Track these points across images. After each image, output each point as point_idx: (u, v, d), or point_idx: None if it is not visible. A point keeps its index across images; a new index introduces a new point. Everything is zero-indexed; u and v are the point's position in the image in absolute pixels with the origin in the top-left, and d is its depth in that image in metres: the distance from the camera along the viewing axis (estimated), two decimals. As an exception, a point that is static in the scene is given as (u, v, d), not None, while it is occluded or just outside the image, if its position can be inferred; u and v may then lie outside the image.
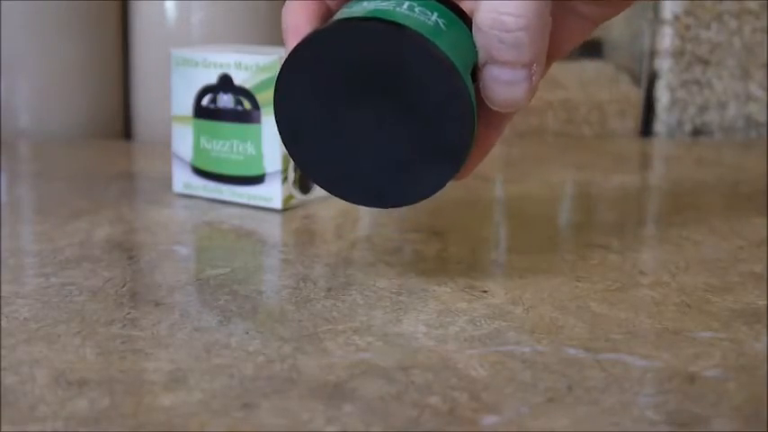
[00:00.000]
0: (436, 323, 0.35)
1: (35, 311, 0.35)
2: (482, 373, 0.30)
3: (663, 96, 0.85)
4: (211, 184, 0.53)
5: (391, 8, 0.34)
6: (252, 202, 0.52)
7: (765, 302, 0.37)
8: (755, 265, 0.43)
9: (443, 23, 0.35)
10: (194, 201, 0.54)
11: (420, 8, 0.34)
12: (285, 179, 0.51)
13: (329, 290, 0.38)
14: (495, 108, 0.36)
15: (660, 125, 0.85)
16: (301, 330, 0.34)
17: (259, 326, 0.34)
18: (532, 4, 0.34)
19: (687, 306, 0.37)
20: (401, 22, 0.33)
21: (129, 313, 0.35)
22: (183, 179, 0.55)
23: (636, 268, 0.43)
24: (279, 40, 0.77)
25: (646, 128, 0.86)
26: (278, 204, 0.52)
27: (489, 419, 0.27)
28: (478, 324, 0.35)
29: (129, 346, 0.32)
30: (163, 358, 0.31)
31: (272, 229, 0.50)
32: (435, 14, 0.35)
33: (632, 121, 0.86)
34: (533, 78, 0.35)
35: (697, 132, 0.86)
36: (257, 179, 0.52)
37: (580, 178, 0.65)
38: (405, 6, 0.34)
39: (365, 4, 0.35)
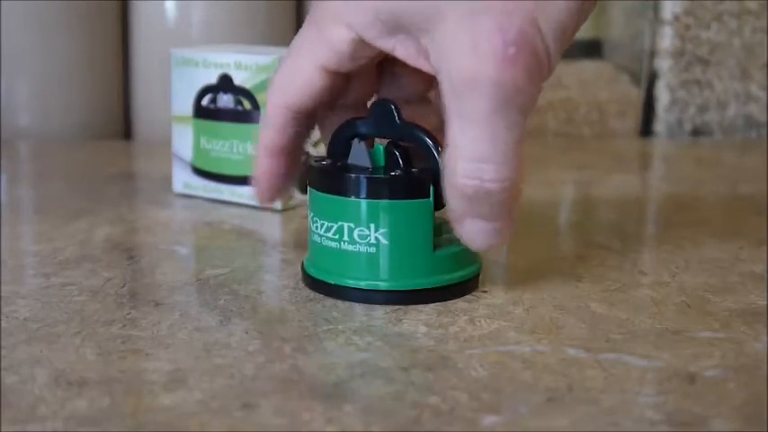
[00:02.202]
0: (436, 323, 0.35)
1: (35, 311, 0.35)
2: (482, 373, 0.30)
3: (663, 96, 0.85)
4: (211, 184, 0.53)
5: (333, 253, 0.37)
6: (252, 202, 0.52)
7: (765, 302, 0.37)
8: (755, 265, 0.42)
9: (383, 236, 0.36)
10: (194, 201, 0.54)
11: (360, 231, 0.36)
12: (285, 179, 0.51)
13: (329, 290, 0.38)
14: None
15: (660, 125, 0.85)
16: (301, 330, 0.34)
17: (259, 326, 0.34)
18: (515, 162, 0.33)
19: (687, 306, 0.37)
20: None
21: (129, 313, 0.35)
22: (183, 179, 0.55)
23: (636, 268, 0.43)
24: (278, 40, 0.77)
25: (646, 128, 0.86)
26: (278, 204, 0.52)
27: (489, 419, 0.27)
28: (478, 324, 0.35)
29: (129, 346, 0.32)
30: (163, 358, 0.31)
31: (272, 229, 0.50)
32: (375, 230, 0.36)
33: (632, 121, 0.86)
34: (515, 216, 0.34)
35: (697, 132, 0.86)
36: (257, 179, 0.52)
37: (580, 178, 0.65)
38: (345, 240, 0.36)
39: (315, 245, 0.38)
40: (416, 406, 0.28)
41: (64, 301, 0.37)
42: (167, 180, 0.56)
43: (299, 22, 0.81)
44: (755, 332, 0.34)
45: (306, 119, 0.38)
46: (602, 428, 0.27)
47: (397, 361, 0.31)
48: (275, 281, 0.41)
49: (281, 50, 0.54)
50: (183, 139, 0.54)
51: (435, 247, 0.37)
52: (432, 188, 0.36)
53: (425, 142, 0.36)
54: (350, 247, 0.36)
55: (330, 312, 0.36)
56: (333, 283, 0.37)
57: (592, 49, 0.92)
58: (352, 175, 0.36)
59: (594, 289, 0.39)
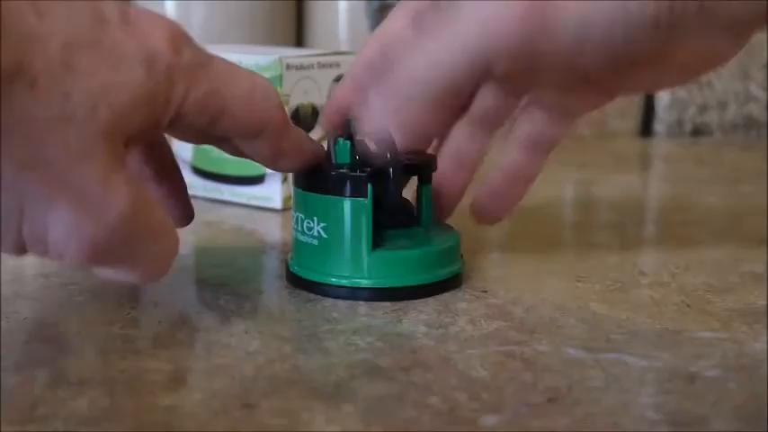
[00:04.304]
0: (436, 323, 0.35)
1: (35, 311, 0.35)
2: (482, 373, 0.30)
3: (663, 96, 0.85)
4: (211, 185, 0.53)
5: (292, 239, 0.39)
6: (252, 202, 0.52)
7: (765, 302, 0.37)
8: (755, 265, 0.42)
9: (322, 229, 0.37)
10: (194, 201, 0.53)
11: (307, 223, 0.38)
12: (285, 179, 0.51)
13: (329, 290, 0.38)
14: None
15: (660, 125, 0.85)
16: (301, 330, 0.34)
17: (259, 326, 0.34)
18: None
19: (687, 306, 0.37)
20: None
21: (129, 313, 0.35)
22: (182, 179, 0.55)
23: (636, 268, 0.43)
24: (278, 40, 0.77)
25: (646, 128, 0.86)
26: (278, 204, 0.52)
27: (489, 419, 0.27)
28: (478, 324, 0.35)
29: (129, 346, 0.32)
30: (163, 358, 0.31)
31: (272, 229, 0.50)
32: (317, 223, 0.37)
33: (632, 121, 0.86)
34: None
35: (697, 132, 0.86)
36: (257, 179, 0.52)
37: (580, 178, 0.65)
38: (298, 229, 0.39)
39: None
40: (416, 406, 0.28)
41: (64, 301, 0.37)
42: (167, 180, 0.56)
43: (299, 22, 0.81)
44: (755, 332, 0.34)
45: None
46: (602, 428, 0.27)
47: (397, 361, 0.31)
48: (275, 281, 0.41)
49: (281, 50, 0.54)
50: (183, 139, 0.54)
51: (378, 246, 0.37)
52: (369, 188, 0.36)
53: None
54: (301, 237, 0.38)
55: (330, 312, 0.36)
56: (289, 269, 0.39)
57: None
58: (305, 170, 0.38)
59: (594, 289, 0.39)
